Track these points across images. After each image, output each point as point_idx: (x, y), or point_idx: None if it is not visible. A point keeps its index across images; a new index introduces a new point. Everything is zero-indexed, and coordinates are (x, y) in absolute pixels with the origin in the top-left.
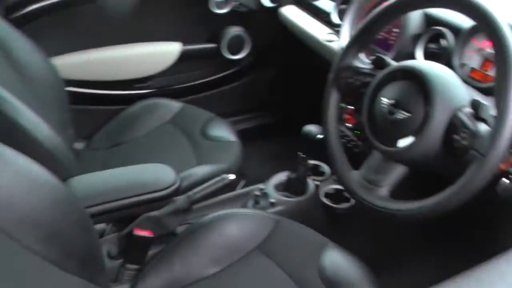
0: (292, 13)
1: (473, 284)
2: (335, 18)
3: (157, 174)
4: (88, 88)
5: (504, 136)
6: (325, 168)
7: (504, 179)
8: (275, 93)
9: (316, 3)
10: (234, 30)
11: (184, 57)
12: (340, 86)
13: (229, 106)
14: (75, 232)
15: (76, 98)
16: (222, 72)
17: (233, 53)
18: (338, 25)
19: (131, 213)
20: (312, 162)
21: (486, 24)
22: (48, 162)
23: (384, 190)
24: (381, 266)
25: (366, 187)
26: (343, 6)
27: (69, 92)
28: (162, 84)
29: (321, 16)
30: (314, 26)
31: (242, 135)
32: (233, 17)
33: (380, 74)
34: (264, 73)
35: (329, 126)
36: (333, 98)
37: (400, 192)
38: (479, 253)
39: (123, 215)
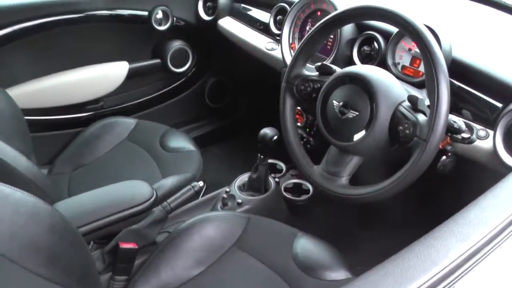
0: (230, 25)
1: (430, 244)
2: (273, 28)
3: (135, 189)
4: (44, 115)
5: (440, 122)
6: (282, 165)
7: (443, 157)
8: (220, 99)
9: (250, 13)
10: (176, 44)
11: (131, 75)
12: (293, 93)
13: (180, 116)
14: (72, 253)
15: (33, 126)
16: (169, 85)
17: (178, 66)
18: (277, 34)
19: (114, 229)
20: (270, 161)
21: (408, 31)
22: (32, 191)
23: (344, 180)
24: (343, 245)
25: (328, 179)
26: (279, 17)
27: (26, 120)
28: (114, 103)
29: (256, 25)
30: (252, 36)
31: (196, 142)
32: (174, 32)
33: (329, 80)
34: (208, 82)
35: (288, 130)
36: (288, 104)
37: (357, 179)
38: (429, 222)
39: (107, 232)
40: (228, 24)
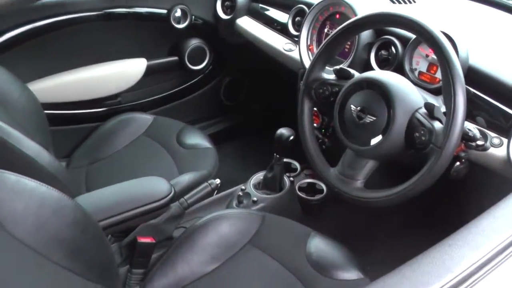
0: (247, 24)
1: (442, 253)
2: (291, 29)
3: (154, 186)
4: (62, 109)
5: (455, 131)
6: (297, 164)
7: (457, 163)
8: (235, 97)
9: (268, 13)
10: (194, 43)
11: (149, 71)
12: (311, 96)
13: (195, 113)
14: (93, 246)
15: (52, 120)
16: (186, 83)
17: (195, 64)
18: (295, 36)
19: (133, 223)
20: (285, 160)
21: (425, 38)
22: (54, 185)
23: (359, 183)
24: (355, 245)
25: (343, 181)
26: (297, 18)
27: (46, 114)
28: (132, 99)
29: (274, 25)
30: (270, 36)
31: (211, 138)
32: (192, 31)
33: (347, 85)
34: (224, 80)
35: (306, 132)
36: (306, 107)
37: (372, 182)
38: (440, 226)
39: (126, 226)
40: (246, 23)
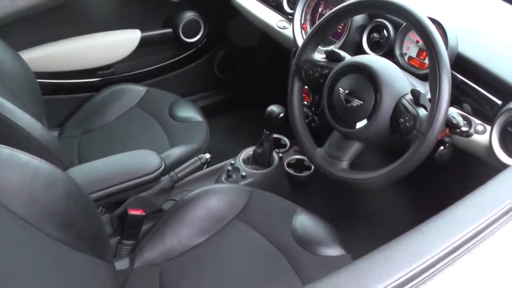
0: (244, 0)
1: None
2: (285, 7)
3: (145, 159)
4: (55, 78)
5: (439, 119)
6: (286, 140)
7: (441, 147)
8: (229, 71)
9: None
10: (189, 15)
11: (143, 43)
12: (301, 76)
13: (188, 85)
14: (85, 218)
15: (44, 89)
16: (180, 55)
17: (189, 37)
18: (289, 13)
19: (124, 196)
20: (274, 136)
21: (414, 25)
22: (47, 157)
23: (344, 164)
24: (339, 222)
25: (329, 162)
26: None
27: (38, 83)
28: (125, 70)
29: (269, 2)
30: (264, 12)
31: (203, 111)
32: (187, 3)
33: (336, 67)
34: (218, 54)
35: (295, 112)
36: (296, 87)
37: (357, 164)
38: (423, 209)
39: (117, 199)
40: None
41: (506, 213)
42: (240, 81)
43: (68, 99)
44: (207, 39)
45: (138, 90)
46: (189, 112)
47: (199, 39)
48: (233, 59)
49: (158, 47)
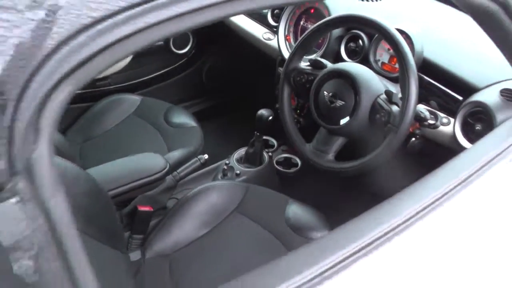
0: None
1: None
2: (270, 20)
3: (151, 161)
4: None
5: (409, 114)
6: (274, 141)
7: (413, 139)
8: (216, 79)
9: None
10: None
11: (137, 55)
12: (290, 83)
13: (180, 93)
14: (104, 213)
15: None
16: (171, 65)
17: (179, 48)
18: (274, 26)
19: (133, 194)
20: (264, 137)
21: (385, 36)
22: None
23: (330, 156)
24: (326, 210)
25: (317, 155)
26: (276, 11)
27: None
28: (121, 80)
29: (254, 16)
30: (250, 25)
31: (195, 116)
32: None
33: (320, 74)
34: (206, 63)
35: (286, 114)
36: (285, 92)
37: (341, 155)
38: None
39: (127, 197)
40: None
41: (464, 180)
42: (227, 88)
43: (68, 109)
44: (195, 50)
45: (134, 99)
46: (183, 118)
47: (188, 50)
48: (220, 68)
49: (150, 59)
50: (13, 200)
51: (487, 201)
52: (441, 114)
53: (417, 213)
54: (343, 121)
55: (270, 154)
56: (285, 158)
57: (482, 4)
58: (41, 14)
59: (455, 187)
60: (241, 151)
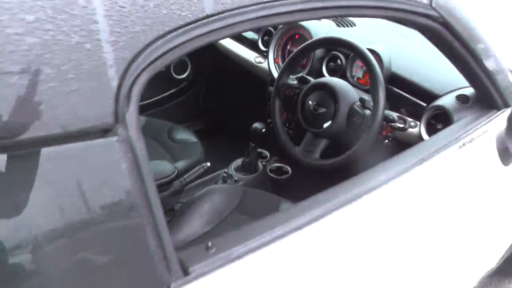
0: (224, 41)
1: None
2: (260, 46)
3: (161, 166)
4: None
5: (378, 116)
6: (267, 153)
7: (386, 141)
8: (213, 100)
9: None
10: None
11: None
12: (280, 96)
13: (180, 114)
14: None
15: None
16: (172, 89)
17: (179, 74)
18: (264, 51)
19: None
20: (258, 150)
21: (359, 55)
22: None
23: (316, 155)
24: None
25: (305, 155)
26: (266, 37)
27: None
28: None
29: (245, 43)
30: (244, 51)
31: (196, 134)
32: None
33: (306, 87)
34: (203, 86)
35: (277, 124)
36: (277, 105)
37: (325, 155)
38: None
39: None
40: (223, 41)
41: (419, 160)
42: (223, 107)
43: None
44: (193, 75)
45: (140, 119)
46: (185, 135)
47: (187, 75)
48: (216, 91)
49: (153, 84)
50: (114, 138)
51: (435, 176)
52: (409, 119)
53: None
54: (326, 125)
55: (264, 163)
56: (277, 167)
57: (428, 24)
58: None
59: (411, 165)
60: (238, 161)
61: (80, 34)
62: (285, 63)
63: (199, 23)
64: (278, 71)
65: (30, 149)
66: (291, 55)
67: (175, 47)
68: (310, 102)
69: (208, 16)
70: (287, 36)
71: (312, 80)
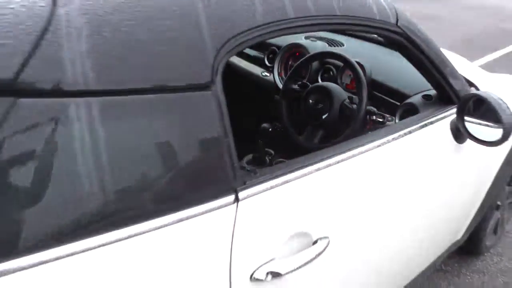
0: (234, 59)
1: None
2: (266, 62)
3: None
4: None
5: (362, 108)
6: (272, 152)
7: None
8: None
9: (246, 51)
10: None
11: None
12: (286, 99)
13: None
14: None
15: None
16: None
17: None
18: (270, 66)
19: None
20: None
21: (348, 65)
22: None
23: (316, 141)
24: None
25: (307, 142)
26: (271, 55)
27: None
28: None
29: (253, 60)
30: (252, 67)
31: None
32: None
33: (307, 90)
34: None
35: (284, 119)
36: (284, 106)
37: (323, 139)
38: None
39: None
40: (233, 59)
41: (389, 133)
42: (234, 116)
43: None
44: None
45: None
46: None
47: None
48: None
49: None
50: (209, 92)
51: (403, 148)
52: (387, 115)
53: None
54: (324, 116)
55: (269, 158)
56: (280, 161)
57: (395, 38)
58: None
59: (384, 135)
60: (249, 156)
61: (197, 29)
62: (288, 74)
63: (265, 26)
64: (282, 82)
65: (157, 94)
66: (294, 66)
67: (249, 39)
68: (310, 101)
69: (265, 24)
70: (289, 53)
71: (310, 85)
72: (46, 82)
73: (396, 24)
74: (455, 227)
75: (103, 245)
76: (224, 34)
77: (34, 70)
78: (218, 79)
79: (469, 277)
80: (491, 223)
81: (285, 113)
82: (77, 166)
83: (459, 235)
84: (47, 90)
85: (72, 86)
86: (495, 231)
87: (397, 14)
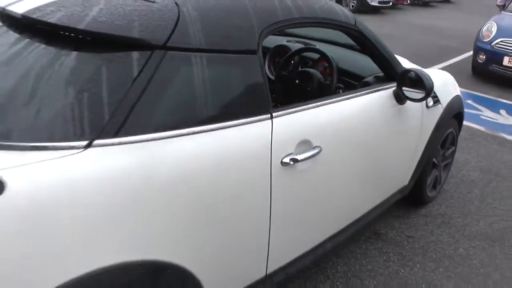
0: None
1: None
2: None
3: None
4: None
5: (333, 85)
6: None
7: None
8: None
9: None
10: None
11: None
12: (280, 82)
13: None
14: None
15: None
16: None
17: None
18: None
19: None
20: None
21: (323, 56)
22: None
23: None
24: None
25: None
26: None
27: None
28: None
29: None
30: None
31: None
32: None
33: (296, 72)
34: None
35: (280, 97)
36: (279, 87)
37: None
38: None
39: None
40: None
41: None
42: None
43: None
44: None
45: None
46: None
47: None
48: None
49: None
50: (255, 55)
51: (360, 106)
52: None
53: None
54: (308, 89)
55: None
56: None
57: (354, 34)
58: None
59: (346, 96)
60: None
61: (249, 16)
62: (280, 64)
63: (290, 20)
64: (272, 74)
65: (219, 54)
66: (283, 58)
67: (280, 26)
68: (297, 81)
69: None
70: (276, 52)
71: (298, 70)
72: (180, 43)
73: (355, 24)
74: (402, 173)
75: (205, 131)
76: (266, 21)
77: (175, 36)
78: (260, 49)
79: (415, 219)
80: (431, 177)
81: (280, 92)
82: (197, 92)
83: (406, 181)
84: (180, 48)
85: (194, 45)
86: (434, 186)
87: (355, 19)
